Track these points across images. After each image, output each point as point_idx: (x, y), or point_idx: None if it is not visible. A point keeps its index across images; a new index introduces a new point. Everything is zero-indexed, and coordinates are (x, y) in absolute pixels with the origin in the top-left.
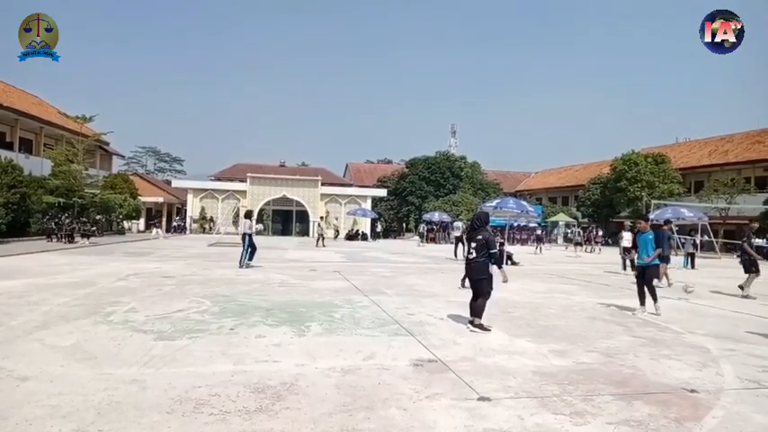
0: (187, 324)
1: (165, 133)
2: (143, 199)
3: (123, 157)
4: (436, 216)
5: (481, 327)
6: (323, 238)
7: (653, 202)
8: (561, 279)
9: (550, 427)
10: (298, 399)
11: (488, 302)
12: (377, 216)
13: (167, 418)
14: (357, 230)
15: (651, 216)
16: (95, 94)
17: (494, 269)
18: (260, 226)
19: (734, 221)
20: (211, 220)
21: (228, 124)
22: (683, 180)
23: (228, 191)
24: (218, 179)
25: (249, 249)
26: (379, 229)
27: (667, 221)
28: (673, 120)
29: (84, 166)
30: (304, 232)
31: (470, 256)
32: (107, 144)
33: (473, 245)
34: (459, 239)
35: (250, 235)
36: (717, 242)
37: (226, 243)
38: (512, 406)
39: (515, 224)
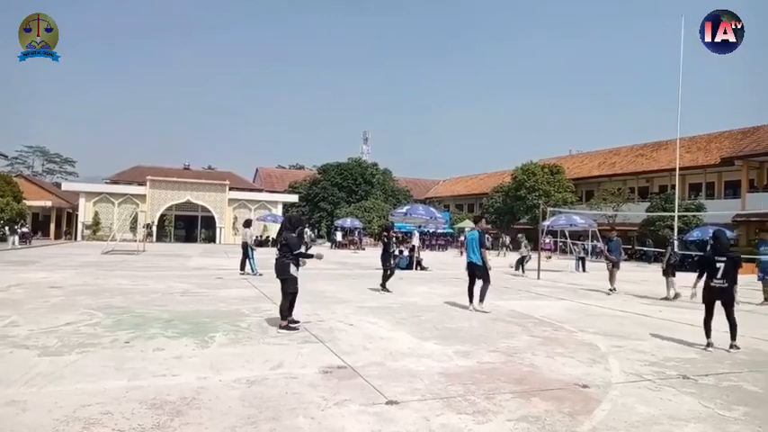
0: (77, 338)
1: (55, 132)
2: (29, 203)
3: (6, 156)
4: (348, 222)
5: (288, 327)
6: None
7: (549, 209)
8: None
9: (455, 427)
10: (199, 413)
11: (397, 306)
12: None
13: None
14: (267, 237)
15: (546, 223)
16: None
17: (293, 268)
18: (252, 233)
19: (620, 228)
20: (149, 226)
21: (127, 124)
22: (576, 189)
23: (126, 195)
24: (115, 182)
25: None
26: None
27: (613, 228)
28: (567, 132)
29: None
30: (210, 239)
31: (277, 256)
32: None
33: (280, 244)
34: (412, 249)
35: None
36: (604, 246)
37: (121, 251)
38: (418, 408)
39: (429, 230)
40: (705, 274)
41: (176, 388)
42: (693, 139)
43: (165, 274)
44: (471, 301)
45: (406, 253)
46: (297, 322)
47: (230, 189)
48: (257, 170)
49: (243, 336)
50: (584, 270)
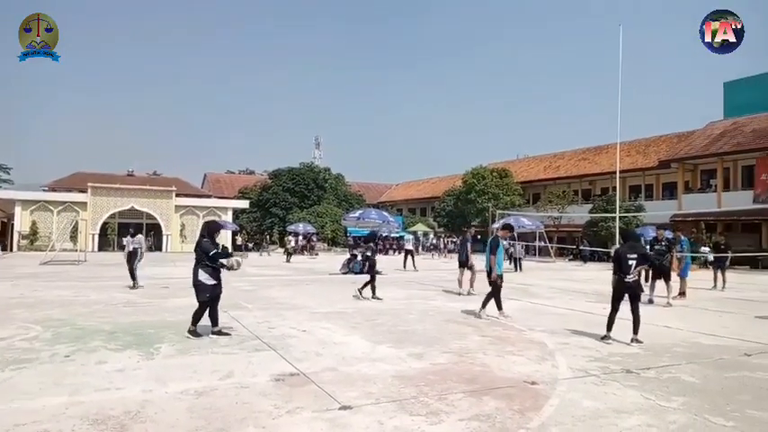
0: (11, 354)
1: None
2: None
3: None
4: (300, 227)
5: (194, 333)
6: (290, 254)
7: (498, 212)
8: (420, 285)
9: (408, 429)
10: (144, 427)
11: (352, 311)
12: (238, 228)
13: None
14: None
15: (496, 225)
16: None
17: (203, 275)
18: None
19: (565, 229)
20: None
21: (66, 128)
22: (524, 192)
23: (66, 202)
24: (54, 189)
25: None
26: (239, 242)
27: (469, 227)
28: (515, 136)
29: None
30: (156, 247)
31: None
32: None
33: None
34: (408, 252)
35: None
36: (552, 247)
37: (61, 261)
38: (372, 412)
39: (382, 234)
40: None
41: (120, 402)
42: (633, 143)
43: (107, 285)
44: (500, 309)
45: (359, 257)
46: (226, 334)
47: (177, 195)
48: (205, 176)
49: (190, 346)
50: (520, 270)
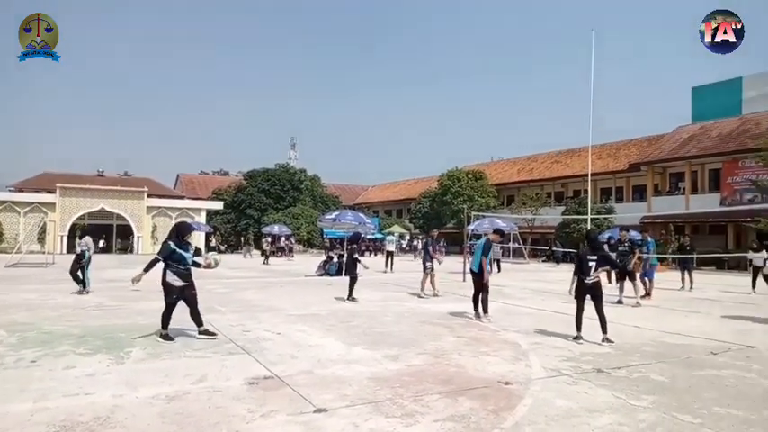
0: None
1: None
2: None
3: None
4: (276, 229)
5: (166, 337)
6: (267, 256)
7: (473, 213)
8: (395, 287)
9: (383, 431)
10: None
11: (327, 313)
12: (212, 230)
13: None
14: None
15: (471, 227)
16: None
17: (171, 276)
18: (84, 244)
19: (539, 231)
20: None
21: (33, 127)
22: (498, 194)
23: (33, 203)
24: (21, 190)
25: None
26: (213, 243)
27: (431, 231)
28: (489, 139)
29: None
30: (127, 249)
31: None
32: None
33: None
34: (389, 253)
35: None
36: (525, 249)
37: (27, 264)
38: (347, 414)
39: (362, 235)
40: (580, 272)
41: (89, 407)
42: (604, 146)
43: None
44: (476, 309)
45: (335, 259)
46: (213, 334)
47: (149, 196)
48: (178, 176)
49: (162, 349)
50: (498, 271)
